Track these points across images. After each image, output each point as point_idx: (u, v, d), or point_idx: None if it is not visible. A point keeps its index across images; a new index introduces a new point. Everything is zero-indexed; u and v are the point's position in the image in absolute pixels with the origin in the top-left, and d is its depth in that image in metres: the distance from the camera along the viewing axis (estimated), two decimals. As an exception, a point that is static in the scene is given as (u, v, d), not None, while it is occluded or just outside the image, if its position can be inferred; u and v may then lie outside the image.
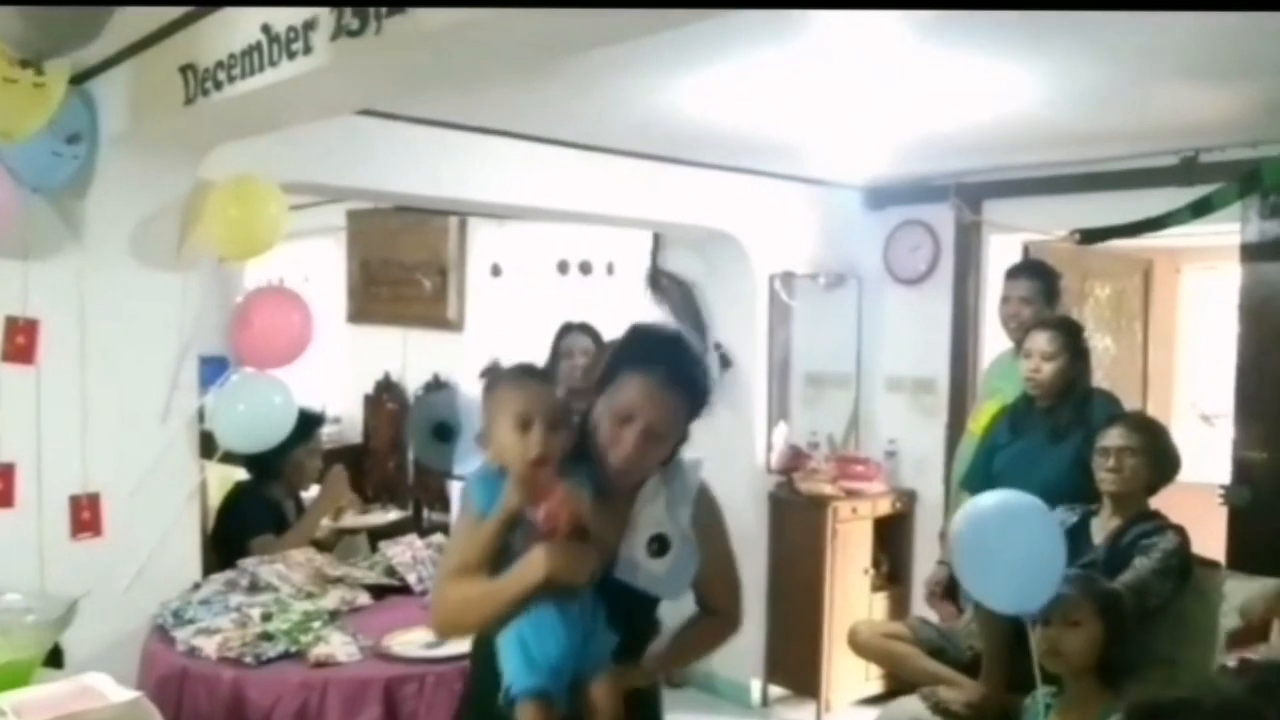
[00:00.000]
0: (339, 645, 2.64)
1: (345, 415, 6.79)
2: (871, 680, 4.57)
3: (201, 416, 3.26)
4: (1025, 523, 2.56)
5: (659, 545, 2.09)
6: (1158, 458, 2.95)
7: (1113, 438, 2.95)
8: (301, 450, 3.63)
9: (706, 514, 2.08)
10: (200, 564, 3.27)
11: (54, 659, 2.44)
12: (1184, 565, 2.86)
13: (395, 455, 6.50)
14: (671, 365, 1.89)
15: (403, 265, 6.35)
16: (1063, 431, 3.26)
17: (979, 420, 3.75)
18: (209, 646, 2.64)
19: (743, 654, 4.73)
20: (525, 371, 1.95)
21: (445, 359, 6.10)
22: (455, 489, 5.93)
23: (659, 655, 2.09)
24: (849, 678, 4.59)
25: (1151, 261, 5.42)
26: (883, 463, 4.77)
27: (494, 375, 2.00)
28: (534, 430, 1.81)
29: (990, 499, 2.66)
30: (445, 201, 4.09)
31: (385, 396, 6.53)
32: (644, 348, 1.94)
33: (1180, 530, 2.90)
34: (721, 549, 2.16)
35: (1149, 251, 5.23)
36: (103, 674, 2.10)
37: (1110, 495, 2.94)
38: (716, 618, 2.19)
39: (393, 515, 3.92)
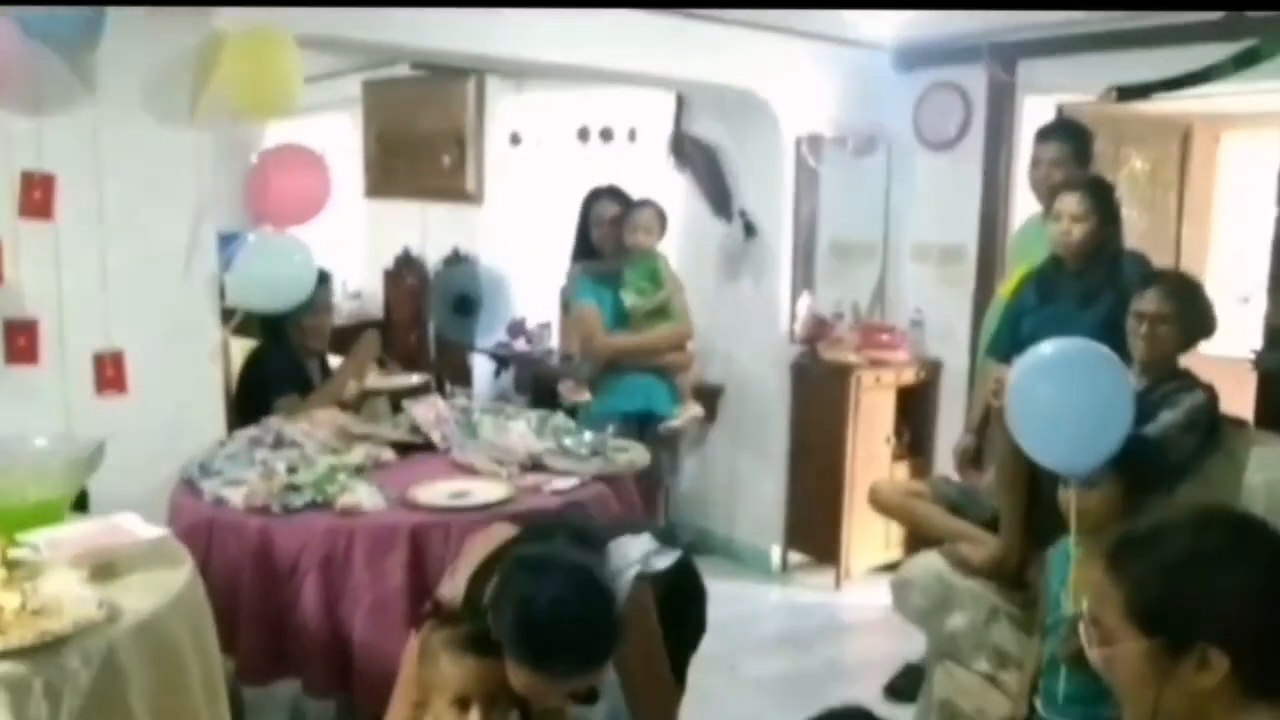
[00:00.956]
0: (365, 495, 2.66)
1: (365, 291, 6.77)
2: (891, 548, 4.61)
3: (222, 293, 3.25)
4: (1093, 372, 2.48)
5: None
6: (1192, 321, 2.89)
7: (1147, 302, 2.88)
8: (313, 311, 3.61)
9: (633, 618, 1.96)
10: (225, 422, 3.30)
11: (80, 506, 2.48)
12: (1211, 422, 2.82)
13: (416, 330, 6.49)
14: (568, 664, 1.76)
15: (420, 137, 6.24)
16: (1093, 295, 3.19)
17: (1007, 286, 3.69)
18: (235, 497, 2.67)
19: (763, 521, 4.79)
20: (465, 642, 1.80)
21: (465, 233, 6.04)
22: (478, 362, 5.95)
23: None
24: (868, 545, 4.63)
25: (1190, 127, 5.26)
26: (908, 332, 4.72)
27: (432, 642, 1.84)
28: (472, 713, 1.74)
29: (1054, 345, 2.56)
30: (463, 58, 3.99)
31: (405, 272, 6.49)
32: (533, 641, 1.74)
33: (1209, 389, 2.86)
34: (641, 657, 2.03)
35: (1188, 117, 5.07)
36: (131, 513, 2.13)
37: (1141, 361, 2.90)
38: None
39: (415, 379, 3.92)
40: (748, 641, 2.95)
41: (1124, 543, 1.31)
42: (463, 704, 1.75)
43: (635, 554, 2.04)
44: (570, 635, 1.73)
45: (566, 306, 4.67)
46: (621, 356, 4.02)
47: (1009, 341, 3.27)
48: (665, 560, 2.07)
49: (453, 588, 1.99)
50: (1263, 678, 1.20)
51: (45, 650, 1.59)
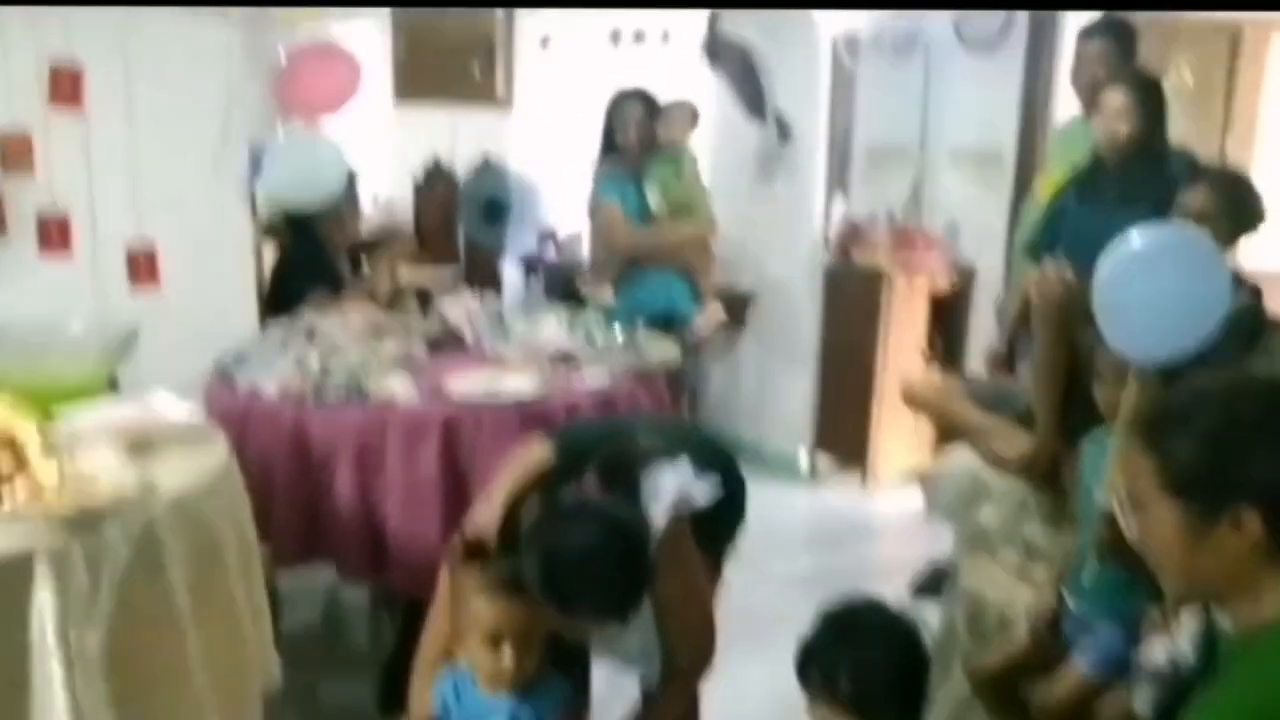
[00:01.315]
0: (398, 386, 2.67)
1: (395, 202, 6.73)
2: (919, 453, 4.60)
3: (253, 207, 3.24)
4: (1185, 256, 2.40)
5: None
6: (1240, 215, 2.81)
7: (1193, 199, 2.80)
8: (342, 208, 3.58)
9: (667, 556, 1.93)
10: (258, 317, 3.32)
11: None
12: (1254, 322, 2.77)
13: (447, 242, 6.48)
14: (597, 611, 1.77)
15: (449, 41, 6.16)
16: (1136, 193, 3.10)
17: (1045, 188, 3.62)
18: (270, 387, 2.68)
19: (791, 425, 4.80)
20: (498, 581, 1.77)
21: (494, 142, 5.99)
22: (508, 270, 5.94)
23: None
24: (897, 450, 4.63)
25: (1240, 29, 5.08)
26: (943, 239, 4.66)
27: (465, 579, 1.83)
28: (504, 650, 1.74)
29: (1150, 232, 2.48)
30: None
31: (435, 182, 6.45)
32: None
33: (1255, 288, 2.80)
34: (677, 593, 2.00)
35: (1237, 20, 4.90)
36: (165, 393, 2.15)
37: None
38: (675, 682, 2.08)
39: (448, 272, 3.92)
40: (774, 542, 2.97)
41: (1158, 416, 1.32)
42: (495, 642, 1.75)
43: (670, 487, 1.99)
44: (599, 585, 1.74)
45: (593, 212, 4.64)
46: (642, 252, 3.97)
47: (1048, 241, 3.22)
48: (703, 491, 2.03)
49: (488, 515, 1.99)
50: None
51: (84, 522, 1.62)
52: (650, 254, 3.97)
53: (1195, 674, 1.56)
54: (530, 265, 5.78)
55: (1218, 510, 1.23)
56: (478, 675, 1.80)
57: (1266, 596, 1.24)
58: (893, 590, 3.62)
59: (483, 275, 6.15)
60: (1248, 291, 2.77)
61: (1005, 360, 3.46)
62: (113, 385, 2.45)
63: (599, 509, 1.86)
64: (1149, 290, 2.37)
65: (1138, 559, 1.41)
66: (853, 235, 4.61)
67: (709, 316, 4.05)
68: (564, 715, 1.88)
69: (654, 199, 3.93)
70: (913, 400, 3.33)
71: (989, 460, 2.82)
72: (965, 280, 4.67)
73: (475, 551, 1.86)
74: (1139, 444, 1.32)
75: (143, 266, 3.03)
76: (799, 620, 2.53)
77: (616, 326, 3.24)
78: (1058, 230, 3.24)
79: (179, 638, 1.75)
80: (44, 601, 1.55)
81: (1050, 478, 2.77)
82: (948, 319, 4.70)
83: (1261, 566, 1.23)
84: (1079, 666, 2.10)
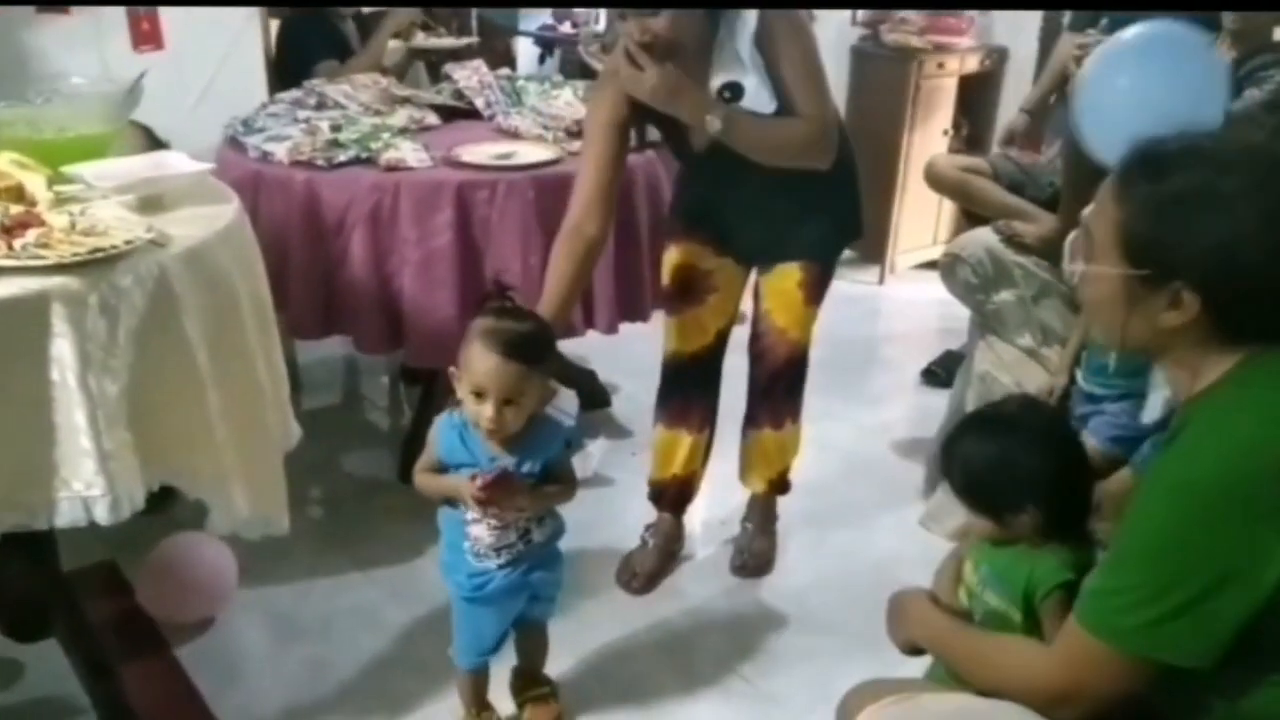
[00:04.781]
0: (410, 152, 2.62)
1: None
2: (939, 244, 4.55)
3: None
4: (1174, 54, 2.29)
5: (731, 92, 2.11)
6: None
7: None
8: None
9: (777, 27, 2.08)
10: (266, 85, 3.23)
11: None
12: None
13: (458, 16, 6.23)
14: None
15: None
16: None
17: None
18: (280, 151, 2.63)
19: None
20: (504, 340, 1.76)
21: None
22: (522, 47, 5.73)
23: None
24: (915, 239, 4.58)
25: None
26: (976, 16, 4.45)
27: (475, 321, 1.83)
28: (487, 404, 1.76)
29: (1135, 29, 2.36)
30: None
31: (448, -49, 6.15)
32: None
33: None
34: (796, 54, 2.12)
35: None
36: (177, 152, 2.10)
37: (1232, 30, 2.69)
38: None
39: (463, 40, 3.77)
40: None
41: (1141, 160, 1.23)
42: (478, 395, 1.77)
43: None
44: None
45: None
46: None
47: (1091, 12, 3.06)
48: None
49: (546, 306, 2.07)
50: (1230, 327, 1.18)
51: (98, 267, 1.60)
52: None
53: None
54: (546, 44, 5.57)
55: (1159, 283, 1.18)
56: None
57: (1204, 374, 1.20)
58: (905, 376, 3.67)
59: (496, 52, 5.95)
60: None
61: (1022, 137, 3.35)
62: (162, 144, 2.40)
63: None
64: (1134, 88, 2.26)
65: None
66: (882, 11, 4.41)
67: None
68: (562, 468, 1.93)
69: None
70: (935, 180, 3.26)
71: (1009, 241, 2.78)
72: (997, 61, 4.50)
73: (497, 305, 1.86)
74: (1112, 189, 1.24)
75: (145, 27, 2.93)
76: (808, 407, 2.60)
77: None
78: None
79: (198, 392, 1.75)
80: (62, 348, 1.55)
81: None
82: (976, 102, 4.56)
83: (1199, 345, 1.20)
84: (1089, 442, 2.11)
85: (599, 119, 2.21)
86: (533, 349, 1.79)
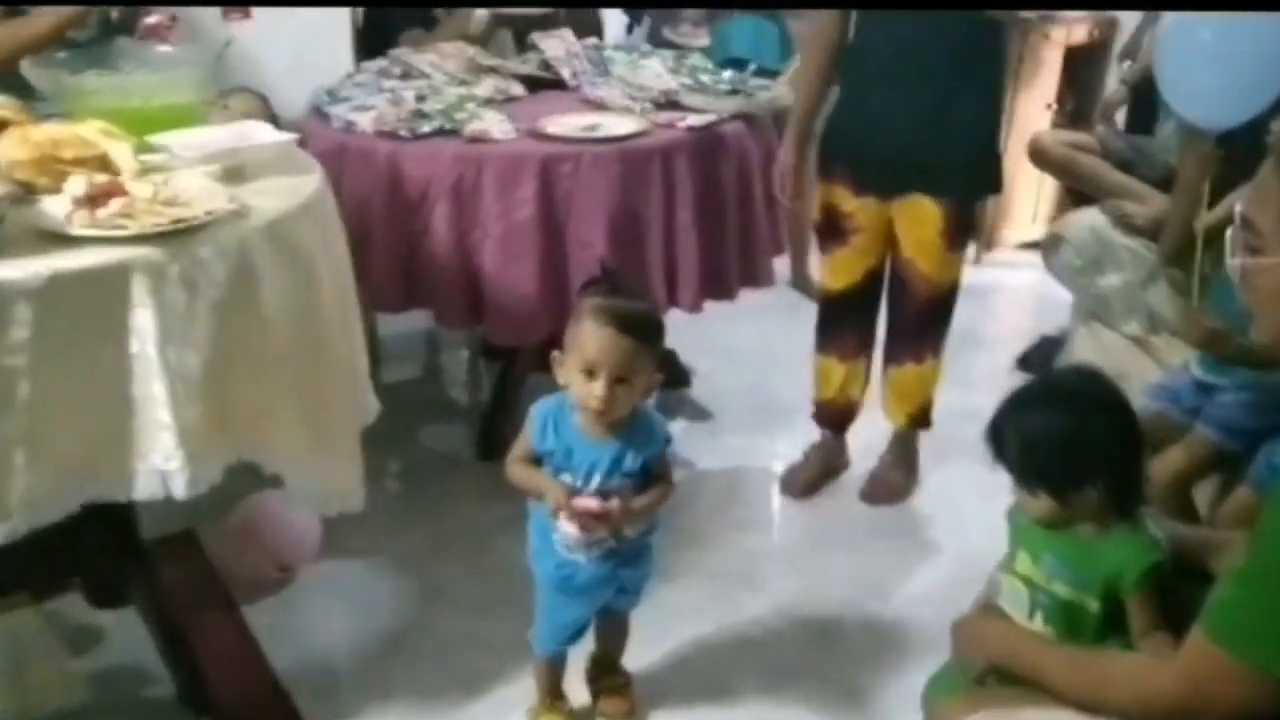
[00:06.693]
0: (494, 123, 2.57)
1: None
2: (1038, 223, 4.38)
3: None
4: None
5: None
6: None
7: None
8: None
9: None
10: (352, 55, 3.21)
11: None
12: None
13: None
14: None
15: None
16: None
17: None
18: (364, 121, 2.61)
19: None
20: (617, 316, 1.70)
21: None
22: (610, 16, 5.64)
23: None
24: (1014, 219, 4.41)
25: None
26: (1084, -15, 4.25)
27: (584, 300, 1.77)
28: (598, 381, 1.70)
29: None
30: None
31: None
32: None
33: None
34: None
35: None
36: (261, 122, 2.08)
37: None
38: None
39: (548, 9, 3.70)
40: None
41: None
42: (590, 372, 1.71)
43: None
44: None
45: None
46: None
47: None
48: None
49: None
50: None
51: (179, 238, 1.58)
52: None
53: None
54: (634, 13, 5.47)
55: None
56: (580, 416, 1.78)
57: None
58: (1000, 360, 3.53)
59: (585, 23, 5.88)
60: None
61: (1129, 113, 3.18)
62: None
63: None
64: (1216, 40, 2.15)
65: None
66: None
67: (795, 72, 3.71)
68: (662, 465, 1.85)
69: None
70: (1040, 158, 3.12)
71: (1118, 222, 2.65)
72: (1106, 33, 4.28)
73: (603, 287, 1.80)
74: (1274, 167, 1.13)
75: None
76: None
77: (725, 69, 3.04)
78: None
79: (277, 365, 1.73)
80: (143, 319, 1.53)
81: (1185, 244, 2.59)
82: (1082, 76, 4.35)
83: None
84: (1205, 434, 2.00)
85: None
86: (646, 327, 1.75)
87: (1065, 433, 1.40)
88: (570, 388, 1.76)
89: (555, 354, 1.78)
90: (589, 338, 1.70)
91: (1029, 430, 1.43)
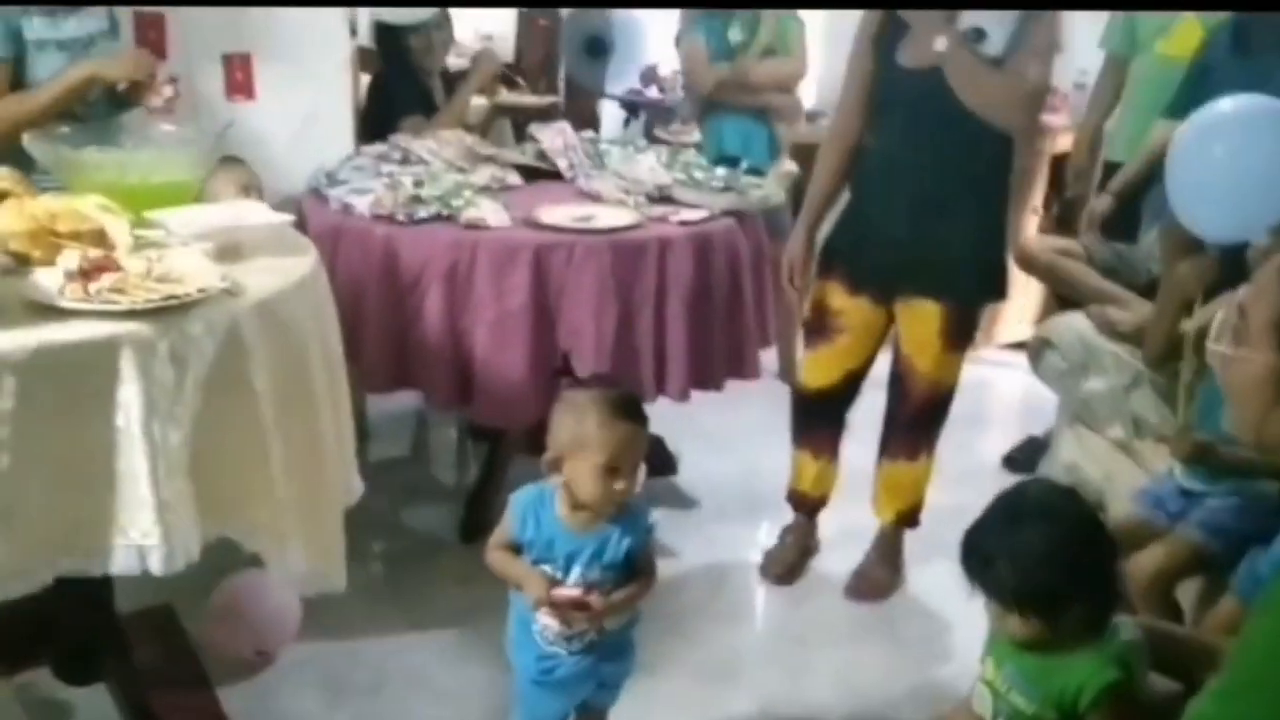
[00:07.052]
0: (490, 210, 2.61)
1: (496, 34, 6.55)
2: (1024, 323, 4.42)
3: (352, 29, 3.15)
4: (1271, 120, 2.21)
5: (975, 35, 2.29)
6: None
7: None
8: (431, 27, 3.47)
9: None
10: (353, 137, 3.27)
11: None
12: None
13: (545, 78, 6.31)
14: None
15: None
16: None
17: (1175, 39, 3.33)
18: (361, 205, 2.64)
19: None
20: (621, 405, 1.68)
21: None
22: (607, 110, 5.77)
23: None
24: (1000, 319, 4.46)
25: None
26: (1070, 95, 4.36)
27: (573, 394, 1.74)
28: (622, 479, 1.67)
29: (1228, 103, 2.30)
30: None
31: (539, 13, 6.24)
32: None
33: None
34: (1045, 30, 2.32)
35: None
36: (258, 203, 2.11)
37: None
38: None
39: (547, 99, 3.80)
40: (862, 401, 2.91)
41: None
42: (613, 470, 1.67)
43: None
44: None
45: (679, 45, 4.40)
46: (722, 92, 3.71)
47: (1192, 100, 2.95)
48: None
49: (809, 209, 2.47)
50: None
51: (170, 314, 1.59)
52: (730, 93, 3.72)
53: None
54: (631, 107, 5.59)
55: None
56: (563, 506, 1.75)
57: None
58: (986, 460, 3.54)
59: (582, 114, 6.00)
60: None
61: (1105, 226, 3.24)
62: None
63: None
64: (1231, 157, 2.19)
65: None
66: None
67: (781, 173, 3.69)
68: (645, 558, 1.82)
69: (736, 34, 3.67)
70: (1027, 263, 3.16)
71: (1102, 327, 2.68)
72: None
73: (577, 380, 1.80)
74: (1277, 270, 1.18)
75: (239, 76, 2.98)
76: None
77: (719, 166, 3.10)
78: (1201, 90, 2.96)
79: (262, 444, 1.72)
80: (129, 394, 1.54)
81: (1169, 351, 2.61)
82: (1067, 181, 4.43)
83: None
84: (1188, 534, 2.00)
85: (864, 33, 2.45)
86: (640, 407, 1.74)
87: (1052, 553, 1.40)
88: (577, 487, 1.71)
89: (547, 458, 1.73)
90: (608, 433, 1.66)
91: (1018, 553, 1.42)
